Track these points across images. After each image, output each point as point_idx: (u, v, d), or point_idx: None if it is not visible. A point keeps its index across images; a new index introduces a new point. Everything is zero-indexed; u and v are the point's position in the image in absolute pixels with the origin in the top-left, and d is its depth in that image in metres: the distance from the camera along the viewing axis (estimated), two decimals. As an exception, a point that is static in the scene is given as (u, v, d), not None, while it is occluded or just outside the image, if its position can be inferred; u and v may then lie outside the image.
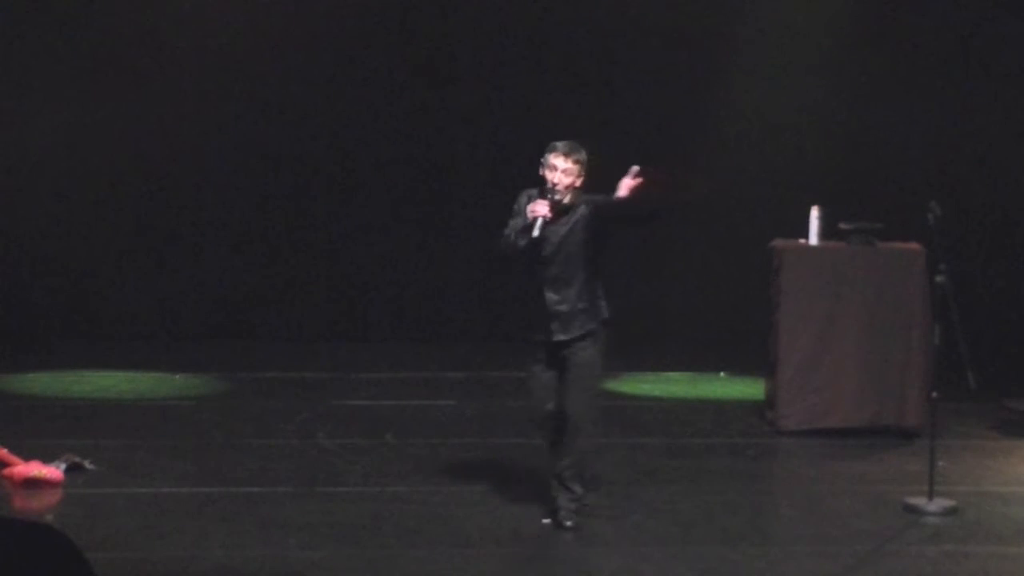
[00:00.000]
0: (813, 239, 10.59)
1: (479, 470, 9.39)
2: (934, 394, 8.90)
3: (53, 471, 8.86)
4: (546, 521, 8.32)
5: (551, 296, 8.13)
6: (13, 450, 9.03)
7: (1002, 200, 13.77)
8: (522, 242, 8.09)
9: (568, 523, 8.20)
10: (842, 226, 10.61)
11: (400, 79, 13.55)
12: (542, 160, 8.19)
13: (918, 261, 10.33)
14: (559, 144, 8.18)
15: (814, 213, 10.58)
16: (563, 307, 8.13)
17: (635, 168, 8.22)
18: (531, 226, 8.03)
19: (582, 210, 8.14)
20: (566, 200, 8.11)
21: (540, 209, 8.02)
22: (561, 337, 8.14)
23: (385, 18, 13.57)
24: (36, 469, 8.81)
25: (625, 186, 8.21)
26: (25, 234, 13.30)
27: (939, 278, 8.76)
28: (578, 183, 8.15)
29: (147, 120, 13.31)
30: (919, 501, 8.72)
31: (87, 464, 9.13)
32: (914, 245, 10.46)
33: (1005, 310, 13.50)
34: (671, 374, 12.63)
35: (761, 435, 10.52)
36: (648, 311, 13.72)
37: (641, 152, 13.60)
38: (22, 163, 13.25)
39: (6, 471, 8.86)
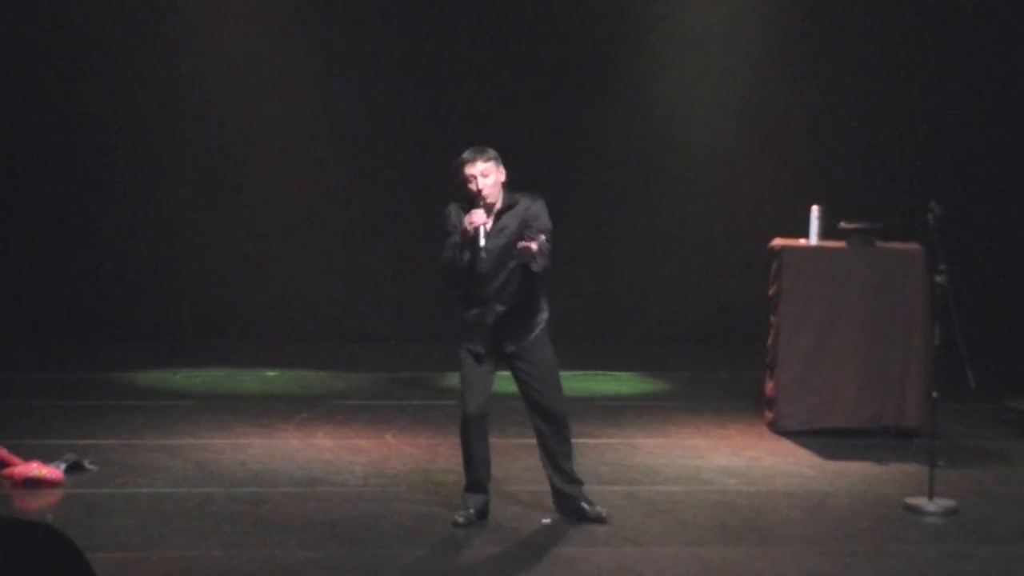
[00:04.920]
0: (813, 239, 10.59)
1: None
2: (934, 394, 8.90)
3: (53, 471, 8.87)
4: (546, 521, 8.33)
5: (499, 308, 8.12)
6: (13, 450, 9.03)
7: (1002, 200, 13.78)
8: (467, 257, 8.07)
9: (605, 513, 8.29)
10: (842, 226, 10.61)
11: (400, 79, 13.56)
12: (461, 180, 8.11)
13: (918, 261, 10.33)
14: (464, 155, 8.14)
15: (814, 213, 10.58)
16: (513, 314, 8.15)
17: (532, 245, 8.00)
18: (475, 238, 8.04)
19: (514, 219, 8.09)
20: (497, 203, 8.11)
21: (478, 219, 8.04)
22: (513, 348, 8.17)
23: (386, 18, 13.58)
24: (36, 469, 8.82)
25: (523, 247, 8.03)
26: (25, 234, 13.31)
27: (939, 278, 8.75)
28: (501, 178, 8.14)
29: (147, 119, 13.32)
30: (919, 501, 8.72)
31: (87, 464, 9.14)
32: (914, 245, 10.46)
33: (1005, 310, 13.50)
34: (671, 374, 12.63)
35: (761, 435, 10.53)
36: (648, 311, 13.73)
37: (641, 151, 13.70)
38: (21, 162, 13.26)
39: (6, 471, 8.86)
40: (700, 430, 10.73)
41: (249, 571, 7.46)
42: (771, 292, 10.69)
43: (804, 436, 10.38)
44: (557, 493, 8.39)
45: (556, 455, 8.32)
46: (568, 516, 8.35)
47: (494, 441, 9.91)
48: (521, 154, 13.56)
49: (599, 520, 8.28)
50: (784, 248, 10.60)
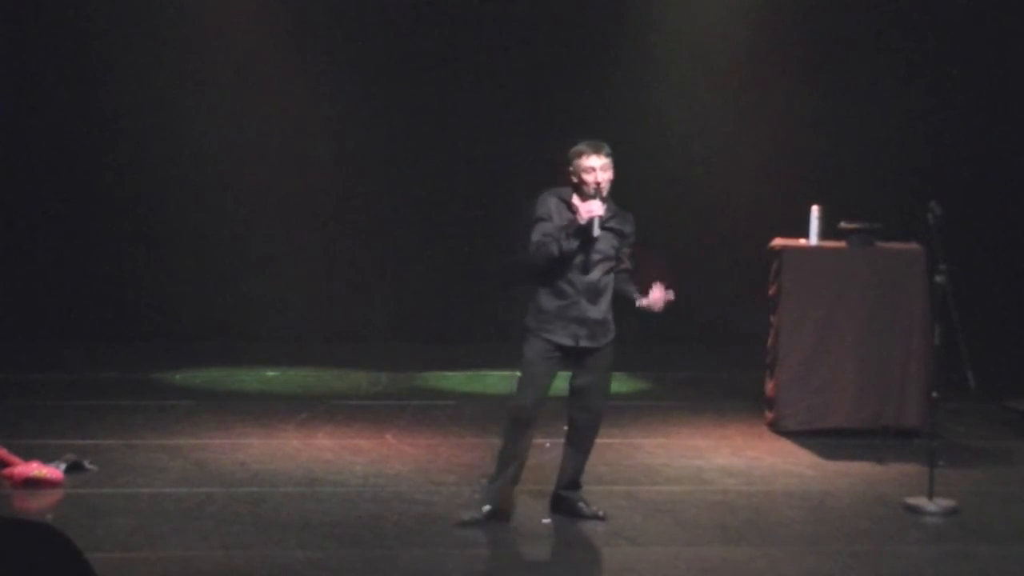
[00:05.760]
0: (813, 239, 10.59)
1: (479, 470, 9.38)
2: (934, 394, 8.90)
3: (53, 471, 8.87)
4: (546, 521, 8.33)
5: (586, 304, 8.05)
6: (13, 450, 9.03)
7: (1002, 200, 13.77)
8: (574, 244, 7.94)
9: (602, 513, 8.31)
10: (842, 226, 10.61)
11: (401, 79, 13.56)
12: (570, 167, 8.02)
13: (918, 261, 10.33)
14: (586, 145, 8.04)
15: (814, 213, 10.58)
16: (596, 315, 8.09)
17: (669, 294, 8.11)
18: (588, 227, 7.90)
19: (621, 227, 8.09)
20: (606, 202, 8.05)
21: (597, 209, 7.91)
22: (589, 344, 8.11)
23: (386, 18, 13.58)
24: (36, 469, 8.82)
25: (654, 299, 8.10)
26: (25, 234, 13.31)
27: (939, 278, 8.76)
28: (612, 176, 8.08)
29: (147, 118, 13.32)
30: (919, 501, 8.72)
31: (87, 464, 9.14)
32: (914, 245, 10.47)
33: (1005, 310, 13.50)
34: (671, 374, 12.63)
35: (761, 435, 10.53)
36: (648, 311, 13.71)
37: (641, 151, 13.69)
38: (21, 162, 13.26)
39: (6, 471, 8.86)
40: (700, 430, 10.73)
41: (249, 571, 7.45)
42: (771, 292, 10.70)
43: (804, 436, 10.38)
44: (557, 496, 8.38)
45: (578, 456, 8.30)
46: (565, 515, 8.35)
47: (496, 442, 9.91)
48: (520, 154, 13.59)
49: (597, 518, 8.27)
50: (784, 248, 10.60)
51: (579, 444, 8.32)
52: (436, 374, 12.32)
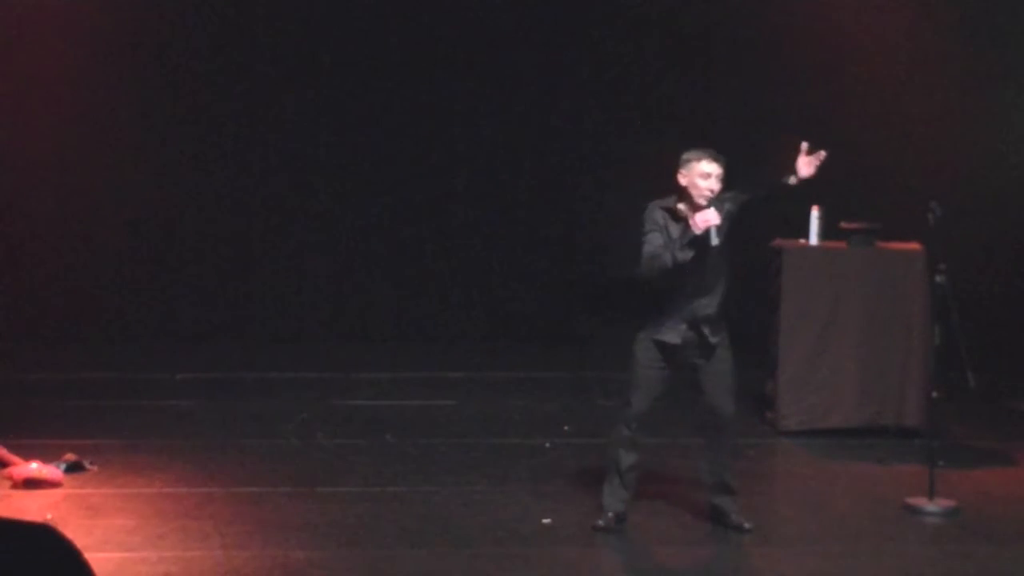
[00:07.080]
0: (813, 239, 10.59)
1: (479, 470, 9.39)
2: (934, 394, 8.90)
3: (53, 471, 8.87)
4: (546, 521, 8.33)
5: (701, 302, 8.06)
6: (13, 450, 9.04)
7: (1002, 200, 13.77)
8: (688, 255, 7.94)
9: (747, 524, 8.25)
10: (842, 226, 10.61)
11: (401, 78, 13.55)
12: (683, 170, 8.01)
13: (918, 261, 10.33)
14: (704, 152, 8.04)
15: (814, 213, 10.58)
16: (711, 311, 8.10)
17: (806, 145, 8.11)
18: (705, 236, 7.90)
19: (723, 211, 8.04)
20: None
21: (713, 219, 7.92)
22: (712, 340, 8.12)
23: (387, 18, 13.58)
24: (36, 469, 8.82)
25: (807, 164, 8.13)
26: (25, 234, 13.31)
27: (939, 278, 8.75)
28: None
29: (147, 119, 13.31)
30: (919, 501, 8.72)
31: (87, 464, 9.14)
32: (914, 245, 10.47)
33: (1005, 310, 13.49)
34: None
35: (761, 435, 10.52)
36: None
37: (641, 151, 13.69)
38: (23, 163, 13.25)
39: (6, 471, 8.86)
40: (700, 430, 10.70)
41: (249, 571, 7.45)
42: (771, 292, 10.69)
43: (804, 436, 10.37)
44: (709, 504, 8.38)
45: (719, 455, 8.34)
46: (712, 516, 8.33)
47: (496, 442, 9.91)
48: (521, 155, 13.59)
49: (741, 529, 8.22)
50: (784, 248, 10.60)
51: (711, 447, 8.36)
52: (436, 374, 12.32)
